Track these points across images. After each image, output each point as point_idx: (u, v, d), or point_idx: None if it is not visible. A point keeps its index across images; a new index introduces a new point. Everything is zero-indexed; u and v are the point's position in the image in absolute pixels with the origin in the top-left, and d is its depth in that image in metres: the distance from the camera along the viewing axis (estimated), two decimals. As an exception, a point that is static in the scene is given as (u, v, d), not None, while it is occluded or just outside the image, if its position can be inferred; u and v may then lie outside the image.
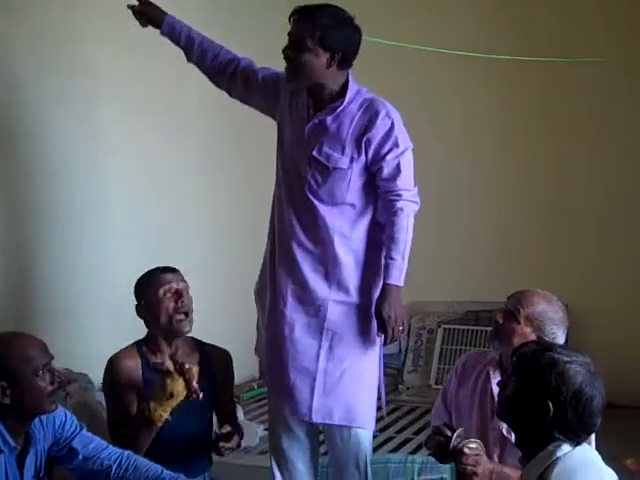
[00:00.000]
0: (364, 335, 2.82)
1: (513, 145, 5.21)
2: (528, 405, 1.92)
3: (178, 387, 2.48)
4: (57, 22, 3.70)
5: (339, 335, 2.81)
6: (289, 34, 2.76)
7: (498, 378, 2.49)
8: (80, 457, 2.35)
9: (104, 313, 3.93)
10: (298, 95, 2.88)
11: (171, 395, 2.47)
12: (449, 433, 2.29)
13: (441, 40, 4.78)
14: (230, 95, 3.08)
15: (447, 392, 2.69)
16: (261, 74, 2.97)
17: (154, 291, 2.72)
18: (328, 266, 2.81)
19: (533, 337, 2.42)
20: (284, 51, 2.76)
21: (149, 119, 4.28)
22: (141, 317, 2.78)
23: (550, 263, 5.08)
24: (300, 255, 2.81)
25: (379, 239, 2.83)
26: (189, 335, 2.81)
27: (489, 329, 2.65)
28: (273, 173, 2.96)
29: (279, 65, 2.88)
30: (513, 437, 2.40)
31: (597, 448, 2.02)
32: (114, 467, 2.36)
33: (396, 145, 2.75)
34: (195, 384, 2.49)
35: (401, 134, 2.78)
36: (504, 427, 2.46)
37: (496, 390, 2.47)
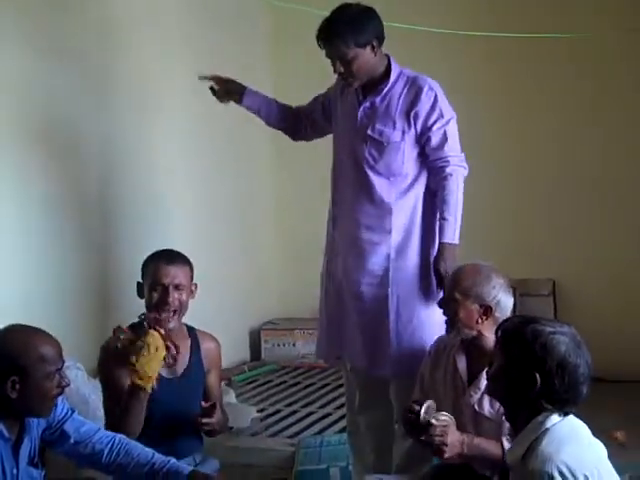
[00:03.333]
0: (428, 294, 2.98)
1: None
2: (515, 377, 1.93)
3: (157, 342, 2.53)
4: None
5: (404, 298, 2.97)
6: (328, 56, 2.95)
7: (464, 360, 2.60)
8: (72, 441, 2.34)
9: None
10: (347, 87, 3.07)
11: (155, 350, 2.51)
12: (417, 408, 2.33)
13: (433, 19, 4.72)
14: (307, 140, 3.37)
15: (423, 376, 2.76)
16: (319, 101, 3.24)
17: (147, 280, 2.74)
18: (387, 235, 2.98)
19: (475, 307, 2.54)
20: (336, 72, 2.97)
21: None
22: (139, 296, 2.78)
23: (538, 235, 5.05)
24: (360, 230, 3.00)
25: (433, 205, 2.99)
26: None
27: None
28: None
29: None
30: (486, 410, 2.49)
31: (586, 421, 2.03)
32: (105, 451, 2.35)
33: (441, 116, 2.95)
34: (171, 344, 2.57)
35: (444, 105, 2.98)
36: (475, 403, 2.52)
37: (463, 371, 2.59)
